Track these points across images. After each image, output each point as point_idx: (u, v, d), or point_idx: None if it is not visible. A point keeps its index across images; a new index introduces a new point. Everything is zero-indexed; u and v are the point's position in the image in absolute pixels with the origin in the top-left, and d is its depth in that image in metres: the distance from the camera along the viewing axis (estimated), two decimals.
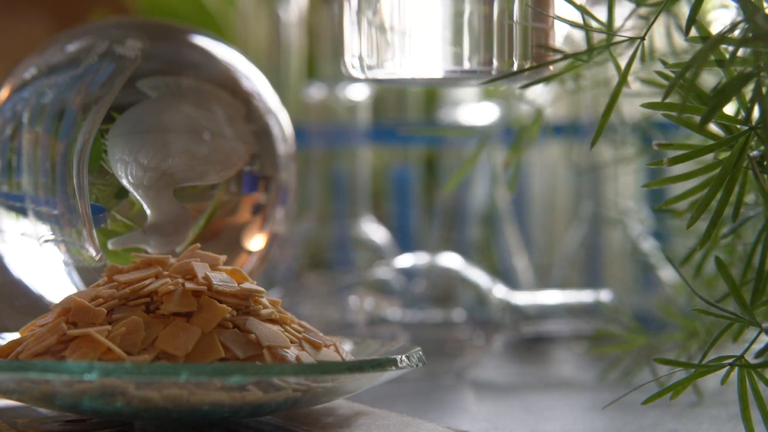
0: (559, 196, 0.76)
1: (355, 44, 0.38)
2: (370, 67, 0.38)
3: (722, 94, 0.30)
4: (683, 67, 0.30)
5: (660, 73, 0.36)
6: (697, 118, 0.36)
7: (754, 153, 0.34)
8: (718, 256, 0.34)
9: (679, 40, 0.45)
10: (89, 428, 0.34)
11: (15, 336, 0.37)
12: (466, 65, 0.37)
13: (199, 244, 0.38)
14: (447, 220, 0.67)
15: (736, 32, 0.32)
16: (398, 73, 0.37)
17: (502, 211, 0.66)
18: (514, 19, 0.36)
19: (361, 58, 0.37)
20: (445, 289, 0.53)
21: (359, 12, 0.37)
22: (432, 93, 0.81)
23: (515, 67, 0.37)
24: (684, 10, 0.46)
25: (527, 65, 0.37)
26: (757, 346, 0.35)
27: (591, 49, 0.35)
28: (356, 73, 0.38)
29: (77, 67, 0.44)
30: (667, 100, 0.34)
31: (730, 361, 0.33)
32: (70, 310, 0.34)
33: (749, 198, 0.39)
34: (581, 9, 0.36)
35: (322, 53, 0.74)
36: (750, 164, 0.34)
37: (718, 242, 0.41)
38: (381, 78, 0.38)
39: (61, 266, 0.44)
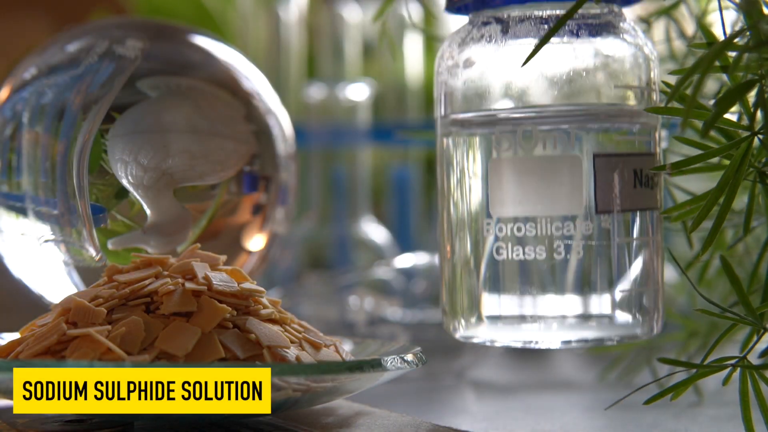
0: None
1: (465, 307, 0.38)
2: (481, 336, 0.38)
3: (725, 102, 0.30)
4: (686, 72, 0.30)
5: (663, 82, 0.36)
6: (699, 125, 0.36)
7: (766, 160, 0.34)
8: (723, 255, 0.34)
9: (679, 44, 0.45)
10: (89, 428, 0.34)
11: (15, 336, 0.37)
12: (586, 335, 0.37)
13: (199, 244, 0.38)
14: None
15: (739, 39, 0.32)
16: (506, 342, 0.38)
17: None
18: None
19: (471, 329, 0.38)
20: None
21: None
22: (432, 93, 0.81)
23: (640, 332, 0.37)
24: (684, 13, 0.46)
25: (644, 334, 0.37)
26: (761, 347, 0.35)
27: None
28: (459, 335, 0.38)
29: (77, 67, 0.44)
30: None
31: (732, 361, 0.34)
32: (70, 310, 0.34)
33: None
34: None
35: (322, 53, 0.74)
36: (755, 175, 0.34)
37: (723, 251, 0.42)
38: (483, 341, 0.38)
39: (61, 266, 0.44)
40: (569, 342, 0.36)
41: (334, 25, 0.74)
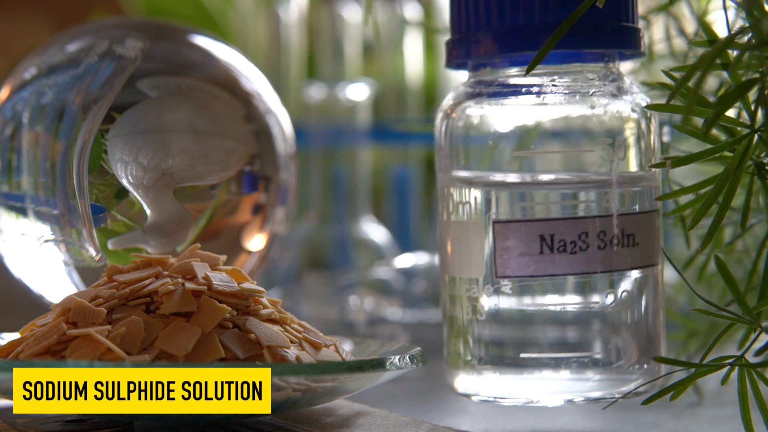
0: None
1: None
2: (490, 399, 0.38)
3: (726, 100, 0.30)
4: (688, 70, 0.30)
5: (663, 85, 0.36)
6: (699, 121, 0.36)
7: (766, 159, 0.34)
8: (717, 255, 0.34)
9: (678, 41, 0.45)
10: (89, 428, 0.34)
11: (15, 336, 0.37)
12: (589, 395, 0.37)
13: (199, 244, 0.38)
14: None
15: (741, 36, 0.32)
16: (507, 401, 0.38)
17: None
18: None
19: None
20: None
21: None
22: (432, 93, 0.81)
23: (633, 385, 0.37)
24: (684, 10, 0.46)
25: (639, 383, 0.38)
26: (758, 345, 0.35)
27: None
28: (459, 391, 0.38)
29: (77, 67, 0.44)
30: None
31: (730, 360, 0.34)
32: (70, 310, 0.34)
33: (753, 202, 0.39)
34: None
35: (322, 53, 0.74)
36: (754, 170, 0.34)
37: (722, 248, 0.42)
38: (485, 400, 0.38)
39: (61, 266, 0.44)
40: (571, 400, 0.37)
41: (334, 25, 0.74)
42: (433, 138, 0.40)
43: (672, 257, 0.38)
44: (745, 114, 0.34)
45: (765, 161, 0.34)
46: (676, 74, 0.35)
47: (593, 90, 0.36)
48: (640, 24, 0.38)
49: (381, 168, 0.79)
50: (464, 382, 0.37)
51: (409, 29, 0.77)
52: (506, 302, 0.37)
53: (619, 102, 0.37)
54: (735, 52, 0.32)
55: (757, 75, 0.32)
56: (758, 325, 0.34)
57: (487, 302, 0.37)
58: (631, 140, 0.37)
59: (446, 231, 0.38)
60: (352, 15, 0.75)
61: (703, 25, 0.35)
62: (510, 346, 0.37)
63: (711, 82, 0.44)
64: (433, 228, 0.70)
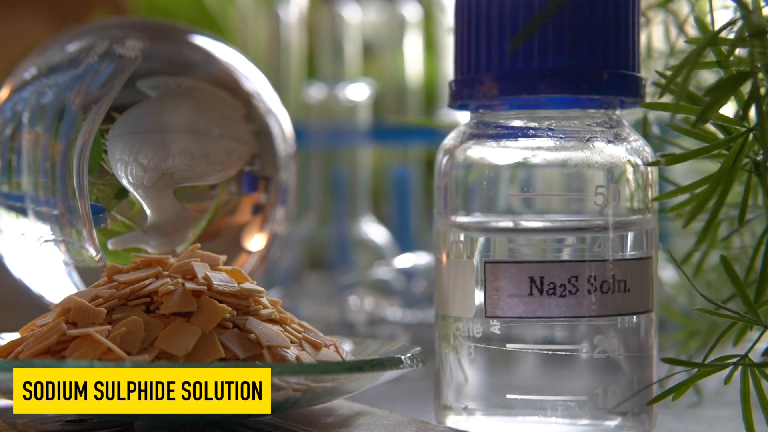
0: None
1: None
2: None
3: (716, 94, 0.30)
4: (677, 67, 0.30)
5: (657, 84, 0.36)
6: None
7: (761, 158, 0.34)
8: (723, 254, 0.34)
9: (676, 37, 0.45)
10: (89, 428, 0.34)
11: (15, 336, 0.37)
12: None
13: (199, 244, 0.38)
14: None
15: (734, 31, 0.32)
16: None
17: None
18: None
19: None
20: None
21: None
22: (432, 93, 0.81)
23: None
24: (683, 7, 0.46)
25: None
26: (761, 345, 0.35)
27: None
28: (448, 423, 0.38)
29: (77, 67, 0.44)
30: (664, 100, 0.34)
31: (733, 360, 0.33)
32: (70, 310, 0.34)
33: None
34: None
35: (322, 53, 0.74)
36: (751, 167, 0.34)
37: (716, 244, 0.42)
38: None
39: (61, 266, 0.44)
40: None
41: (334, 25, 0.74)
42: (433, 136, 0.39)
43: (672, 256, 0.38)
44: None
45: (760, 159, 0.34)
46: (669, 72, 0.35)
47: (591, 135, 0.37)
48: (642, 70, 0.37)
49: (381, 168, 0.79)
50: (455, 421, 0.38)
51: (409, 29, 0.77)
52: (495, 342, 0.37)
53: (616, 148, 0.37)
54: (728, 48, 0.32)
55: (747, 69, 0.32)
56: (763, 324, 0.33)
57: (476, 342, 0.37)
58: (627, 186, 0.37)
59: (441, 269, 0.38)
60: (352, 15, 0.75)
61: (698, 22, 0.35)
62: (498, 387, 0.37)
63: (709, 80, 0.44)
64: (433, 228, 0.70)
